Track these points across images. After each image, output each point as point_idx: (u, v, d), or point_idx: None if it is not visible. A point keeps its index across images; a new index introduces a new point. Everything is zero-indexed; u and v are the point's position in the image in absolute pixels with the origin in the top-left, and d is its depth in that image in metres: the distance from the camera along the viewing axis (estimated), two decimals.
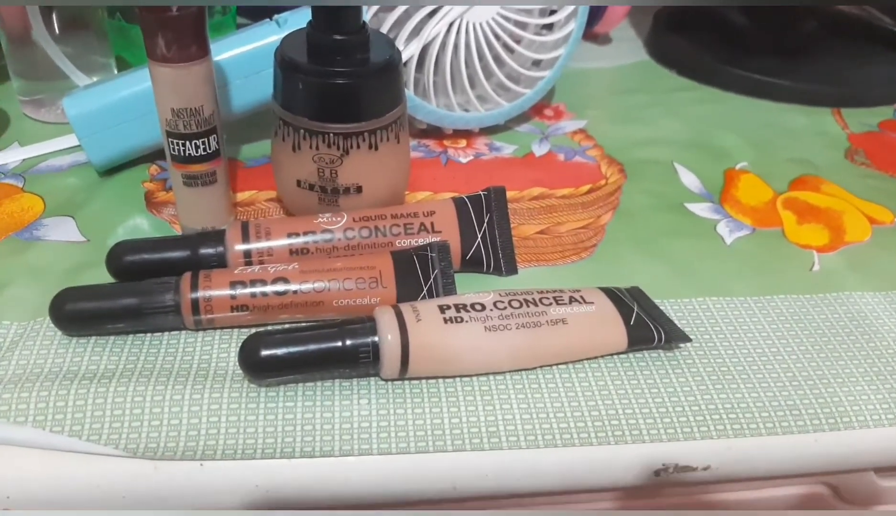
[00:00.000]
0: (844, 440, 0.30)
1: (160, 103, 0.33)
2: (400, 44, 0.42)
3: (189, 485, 0.27)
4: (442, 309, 0.31)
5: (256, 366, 0.29)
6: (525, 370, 0.31)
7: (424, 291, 0.33)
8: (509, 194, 0.40)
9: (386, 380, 0.30)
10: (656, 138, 0.49)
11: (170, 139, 0.34)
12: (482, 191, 0.37)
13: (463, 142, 0.47)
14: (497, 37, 0.44)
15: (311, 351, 0.29)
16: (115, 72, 0.48)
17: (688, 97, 0.55)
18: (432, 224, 0.35)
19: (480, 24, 0.43)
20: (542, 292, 0.32)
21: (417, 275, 0.33)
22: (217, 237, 0.34)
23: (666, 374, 0.32)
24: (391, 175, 0.37)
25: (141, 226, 0.39)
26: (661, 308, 0.34)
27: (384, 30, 0.42)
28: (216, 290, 0.31)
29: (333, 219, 0.35)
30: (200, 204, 0.36)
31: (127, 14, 0.48)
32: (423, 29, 0.42)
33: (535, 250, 0.39)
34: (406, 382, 0.30)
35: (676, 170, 0.46)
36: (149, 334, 0.32)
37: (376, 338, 0.29)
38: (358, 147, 0.34)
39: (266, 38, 0.40)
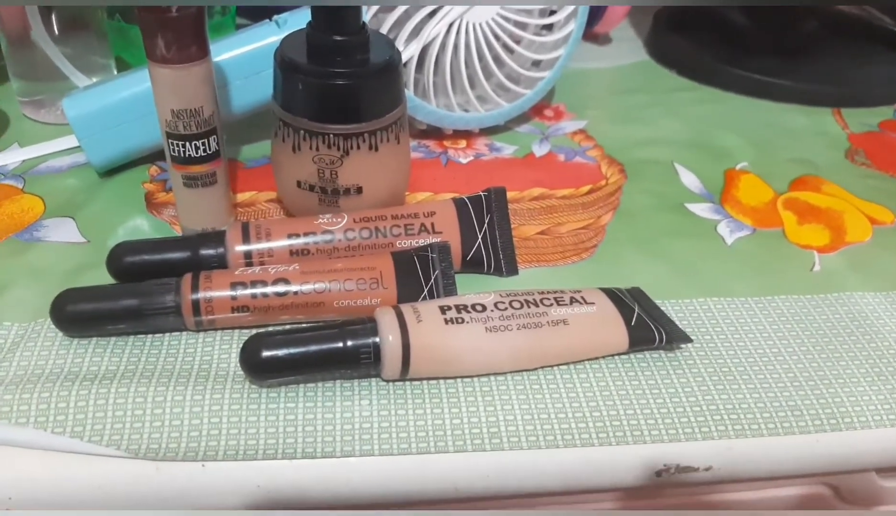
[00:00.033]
0: (846, 440, 0.30)
1: (160, 104, 0.33)
2: (400, 44, 0.42)
3: (191, 486, 0.27)
4: (443, 309, 0.31)
5: (258, 367, 0.29)
6: (526, 371, 0.31)
7: (425, 292, 0.33)
8: (510, 195, 0.40)
9: (387, 381, 0.30)
10: (656, 138, 0.49)
11: (170, 140, 0.34)
12: (482, 191, 0.37)
13: (463, 143, 0.47)
14: (497, 37, 0.44)
15: (312, 352, 0.29)
16: (115, 72, 0.48)
17: (688, 97, 0.55)
18: (433, 224, 0.35)
19: (480, 25, 0.43)
20: (542, 293, 0.32)
21: (418, 275, 0.33)
22: (217, 238, 0.34)
23: (667, 375, 0.32)
24: (391, 176, 0.37)
25: (141, 227, 0.39)
26: (662, 308, 0.34)
27: (384, 30, 0.42)
28: (217, 291, 0.31)
29: (334, 219, 0.35)
30: (200, 205, 0.36)
31: (126, 15, 0.48)
32: (423, 29, 0.42)
33: (535, 251, 0.39)
34: (407, 383, 0.30)
35: (677, 170, 0.46)
36: (150, 335, 0.32)
37: (377, 339, 0.29)
38: (358, 148, 0.34)
39: (266, 38, 0.40)
